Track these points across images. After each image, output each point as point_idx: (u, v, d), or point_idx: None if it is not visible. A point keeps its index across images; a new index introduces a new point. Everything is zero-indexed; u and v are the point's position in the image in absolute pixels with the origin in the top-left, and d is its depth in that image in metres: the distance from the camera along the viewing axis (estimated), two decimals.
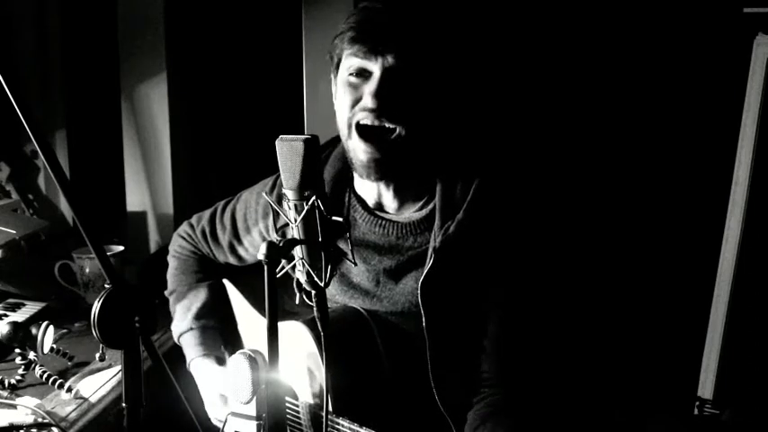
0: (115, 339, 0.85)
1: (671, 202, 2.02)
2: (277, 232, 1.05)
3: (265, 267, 0.88)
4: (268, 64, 2.25)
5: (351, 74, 1.18)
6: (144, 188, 2.21)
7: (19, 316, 1.64)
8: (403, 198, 1.28)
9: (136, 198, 2.22)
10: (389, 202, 1.28)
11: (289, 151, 0.91)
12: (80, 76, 2.28)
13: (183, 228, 1.57)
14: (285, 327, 1.19)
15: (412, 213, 1.27)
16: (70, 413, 1.32)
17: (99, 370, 1.49)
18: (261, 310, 1.39)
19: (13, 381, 1.40)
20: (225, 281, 1.52)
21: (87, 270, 1.80)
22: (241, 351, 1.03)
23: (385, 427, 1.14)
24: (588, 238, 2.04)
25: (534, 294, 1.26)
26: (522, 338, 1.24)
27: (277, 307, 0.90)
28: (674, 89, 1.97)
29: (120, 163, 2.22)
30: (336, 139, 1.29)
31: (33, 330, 1.39)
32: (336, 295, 1.34)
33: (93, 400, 1.38)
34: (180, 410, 0.96)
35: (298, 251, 0.95)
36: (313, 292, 0.96)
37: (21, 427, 1.22)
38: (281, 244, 0.89)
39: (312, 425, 1.27)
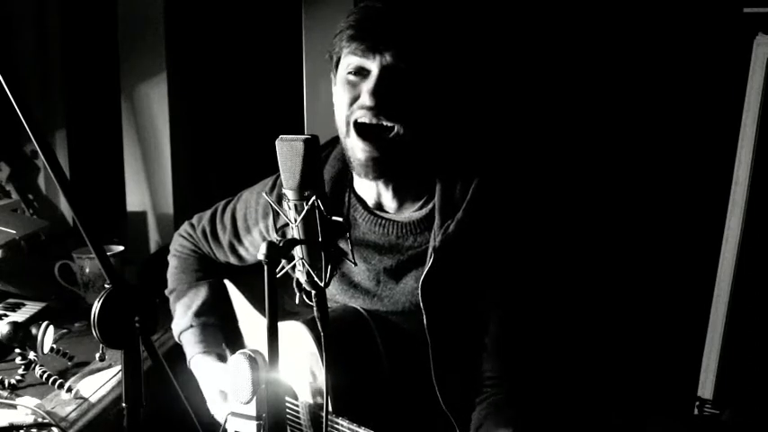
0: (115, 339, 0.85)
1: (671, 202, 2.02)
2: (277, 232, 1.05)
3: (265, 267, 0.88)
4: (268, 64, 2.25)
5: (349, 72, 1.18)
6: (144, 188, 2.21)
7: (19, 316, 1.64)
8: (402, 198, 1.28)
9: (136, 198, 2.22)
10: (389, 201, 1.28)
11: (289, 151, 0.91)
12: (80, 76, 2.28)
13: (184, 227, 1.57)
14: (285, 327, 1.19)
15: (412, 213, 1.27)
16: (70, 413, 1.32)
17: (99, 370, 1.49)
18: (261, 309, 1.39)
19: (13, 381, 1.40)
20: (226, 281, 1.52)
21: (87, 270, 1.80)
22: (241, 351, 1.03)
23: (385, 427, 1.14)
24: (588, 238, 2.04)
25: (534, 293, 1.26)
26: (524, 337, 1.24)
27: (277, 307, 0.90)
28: (674, 89, 1.97)
29: (120, 163, 2.22)
30: (336, 140, 1.29)
31: (33, 330, 1.39)
32: (337, 295, 1.34)
33: (93, 400, 1.37)
34: (180, 410, 0.96)
35: (298, 251, 0.95)
36: (313, 292, 0.96)
37: (21, 427, 1.22)
38: (281, 244, 0.89)
39: (312, 425, 1.27)
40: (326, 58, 1.25)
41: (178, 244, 1.57)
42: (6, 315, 1.63)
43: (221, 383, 1.37)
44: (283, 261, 0.93)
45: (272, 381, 0.93)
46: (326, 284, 0.95)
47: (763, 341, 1.86)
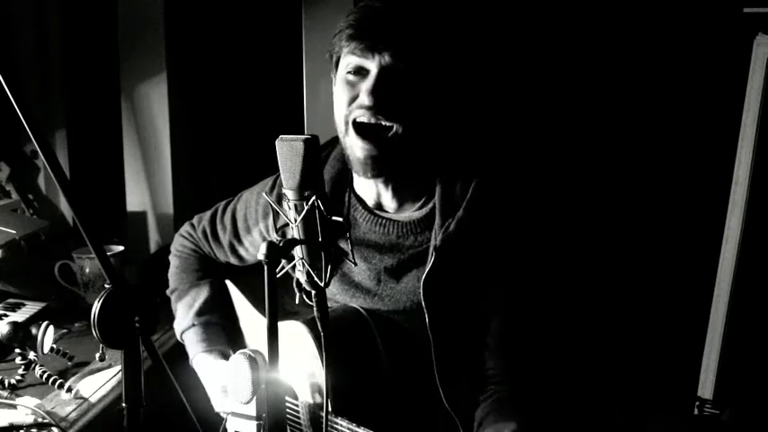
0: (115, 339, 0.85)
1: (671, 202, 2.02)
2: (277, 232, 1.05)
3: (265, 267, 0.88)
4: (268, 64, 2.25)
5: (348, 71, 1.18)
6: (144, 188, 2.21)
7: (19, 316, 1.64)
8: (402, 198, 1.28)
9: (136, 198, 2.22)
10: (389, 201, 1.28)
11: (289, 151, 0.91)
12: (80, 76, 2.28)
13: (185, 228, 1.58)
14: (285, 326, 1.19)
15: (412, 212, 1.28)
16: (70, 413, 1.32)
17: (99, 370, 1.49)
18: (262, 309, 1.39)
19: (13, 381, 1.40)
20: (227, 281, 1.52)
21: (87, 270, 1.80)
22: (241, 351, 1.03)
23: (386, 426, 1.14)
24: (588, 238, 2.04)
25: (535, 290, 1.26)
26: (526, 334, 1.25)
27: (277, 307, 0.90)
28: (674, 89, 1.97)
29: (120, 163, 2.22)
30: (336, 140, 1.29)
31: (33, 330, 1.39)
32: (337, 295, 1.34)
33: (93, 400, 1.37)
34: (180, 410, 0.96)
35: (298, 251, 0.95)
36: (313, 292, 0.96)
37: (21, 427, 1.22)
38: (281, 244, 0.89)
39: (312, 425, 1.27)
40: (326, 58, 1.25)
41: (179, 244, 1.58)
42: (6, 315, 1.63)
43: (224, 380, 1.37)
44: (283, 261, 0.93)
45: (272, 381, 0.93)
46: (326, 284, 0.95)
47: (763, 341, 1.86)
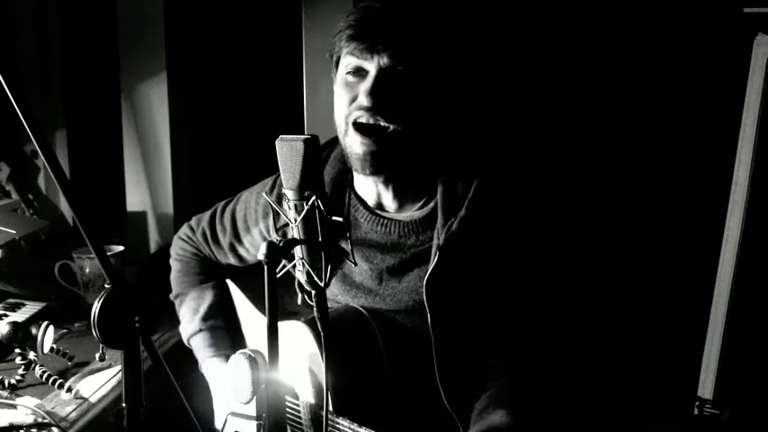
0: (115, 339, 0.85)
1: (671, 202, 2.02)
2: (277, 232, 1.05)
3: (265, 267, 0.88)
4: (268, 64, 2.25)
5: (348, 72, 1.19)
6: (144, 188, 2.21)
7: (19, 316, 1.64)
8: (402, 198, 1.28)
9: (136, 198, 2.22)
10: (389, 202, 1.28)
11: (289, 151, 0.91)
12: (80, 76, 2.28)
13: (184, 230, 1.57)
14: (286, 326, 1.19)
15: (413, 212, 1.28)
16: (70, 413, 1.32)
17: (99, 370, 1.49)
18: (262, 309, 1.39)
19: (13, 381, 1.40)
20: (228, 281, 1.52)
21: (87, 270, 1.80)
22: (241, 351, 1.03)
23: (386, 426, 1.14)
24: (588, 238, 2.04)
25: (537, 290, 1.26)
26: (527, 333, 1.25)
27: (277, 307, 0.90)
28: (674, 89, 1.97)
29: (120, 163, 2.22)
30: (335, 140, 1.29)
31: (33, 330, 1.39)
32: (339, 295, 1.34)
33: (93, 400, 1.37)
34: (180, 410, 0.96)
35: (298, 251, 0.95)
36: (313, 291, 0.96)
37: (21, 427, 1.22)
38: (281, 244, 0.89)
39: (313, 424, 1.27)
40: (327, 58, 1.25)
41: (179, 247, 1.57)
42: (6, 315, 1.63)
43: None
44: (284, 261, 0.93)
45: (272, 381, 0.93)
46: (327, 284, 0.95)
47: (763, 341, 1.86)
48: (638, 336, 2.06)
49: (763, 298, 1.85)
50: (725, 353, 1.88)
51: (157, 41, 2.09)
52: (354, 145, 1.19)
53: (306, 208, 0.92)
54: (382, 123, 1.16)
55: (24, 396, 1.36)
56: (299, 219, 0.93)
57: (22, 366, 1.43)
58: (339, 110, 1.21)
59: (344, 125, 1.20)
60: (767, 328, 1.85)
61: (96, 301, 0.83)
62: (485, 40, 2.01)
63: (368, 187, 1.30)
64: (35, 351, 1.39)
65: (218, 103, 2.33)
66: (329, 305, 1.06)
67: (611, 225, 2.06)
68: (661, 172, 2.02)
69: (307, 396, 1.27)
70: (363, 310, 1.29)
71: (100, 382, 1.43)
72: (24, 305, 1.71)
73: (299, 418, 1.30)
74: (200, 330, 1.47)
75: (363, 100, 1.15)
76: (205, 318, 1.48)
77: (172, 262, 1.59)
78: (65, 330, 1.67)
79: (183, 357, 1.51)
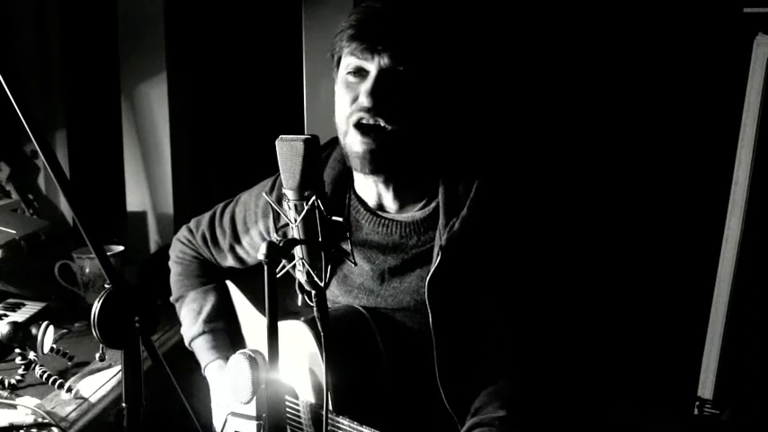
0: (115, 339, 0.85)
1: (671, 202, 2.02)
2: (277, 232, 1.05)
3: (265, 267, 0.88)
4: (268, 64, 2.25)
5: (349, 72, 1.19)
6: (144, 188, 2.21)
7: (19, 316, 1.64)
8: (403, 199, 1.28)
9: (136, 198, 2.22)
10: (390, 203, 1.28)
11: (289, 151, 0.91)
12: (80, 76, 2.28)
13: (183, 233, 1.57)
14: (286, 326, 1.19)
15: (414, 213, 1.28)
16: (70, 413, 1.32)
17: (99, 370, 1.49)
18: (262, 309, 1.39)
19: (13, 381, 1.40)
20: (228, 282, 1.52)
21: (87, 270, 1.80)
22: (241, 351, 1.03)
23: (386, 426, 1.14)
24: (588, 238, 2.04)
25: (539, 290, 1.26)
26: (527, 334, 1.24)
27: (277, 307, 0.90)
28: (674, 89, 1.97)
29: (120, 163, 2.22)
30: (335, 141, 1.29)
31: (33, 330, 1.39)
32: (340, 296, 1.34)
33: (93, 400, 1.37)
34: (180, 410, 0.96)
35: (298, 251, 0.95)
36: (313, 292, 0.96)
37: (21, 427, 1.22)
38: (281, 244, 0.89)
39: (313, 424, 1.27)
40: (328, 57, 1.25)
41: (178, 250, 1.57)
42: (6, 315, 1.63)
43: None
44: (284, 261, 0.93)
45: (272, 381, 0.93)
46: (327, 285, 0.95)
47: (763, 341, 1.86)
48: (638, 336, 2.06)
49: (763, 298, 1.85)
50: (725, 353, 1.88)
51: (157, 41, 2.09)
52: (354, 143, 1.19)
53: (306, 208, 0.92)
54: (382, 124, 1.16)
55: (24, 396, 1.36)
56: (299, 219, 0.93)
57: (22, 366, 1.42)
58: (340, 110, 1.21)
59: (345, 125, 1.20)
60: (767, 328, 1.85)
61: (96, 301, 0.83)
62: (485, 41, 2.01)
63: (368, 188, 1.30)
64: (35, 351, 1.39)
65: (218, 103, 2.33)
66: (329, 306, 1.06)
67: (611, 225, 2.06)
68: (661, 172, 2.02)
69: (307, 396, 1.27)
70: (363, 310, 1.29)
71: (100, 382, 1.43)
72: (24, 305, 1.71)
73: (300, 417, 1.30)
74: (203, 333, 1.47)
75: (364, 100, 1.15)
76: (207, 320, 1.48)
77: (171, 265, 1.58)
78: (65, 330, 1.67)
79: (183, 357, 1.51)
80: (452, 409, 1.23)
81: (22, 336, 1.39)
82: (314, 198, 0.91)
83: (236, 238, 1.47)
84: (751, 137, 1.78)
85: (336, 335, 1.16)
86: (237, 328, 1.51)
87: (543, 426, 1.20)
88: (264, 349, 0.92)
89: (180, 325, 1.54)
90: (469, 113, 1.35)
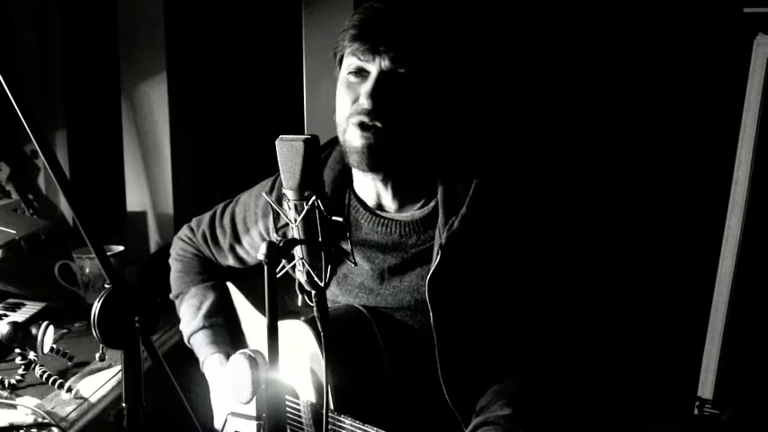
0: (115, 339, 0.85)
1: (671, 202, 2.02)
2: (277, 232, 1.05)
3: (265, 267, 0.88)
4: (268, 64, 2.25)
5: (350, 72, 1.19)
6: (144, 188, 2.21)
7: (19, 316, 1.64)
8: (402, 198, 1.28)
9: (136, 198, 2.22)
10: (389, 202, 1.29)
11: (289, 151, 0.91)
12: (80, 76, 2.28)
13: (184, 232, 1.57)
14: (286, 326, 1.19)
15: (414, 212, 1.28)
16: (70, 413, 1.32)
17: (99, 370, 1.49)
18: (262, 310, 1.39)
19: (13, 381, 1.40)
20: (228, 283, 1.52)
21: (87, 270, 1.80)
22: (241, 351, 1.03)
23: (387, 424, 1.14)
24: (588, 238, 2.04)
25: (539, 287, 1.26)
26: (530, 330, 1.25)
27: (277, 306, 0.90)
28: (674, 89, 1.97)
29: (120, 163, 2.22)
30: (335, 141, 1.29)
31: (33, 330, 1.39)
32: (340, 297, 1.34)
33: (93, 400, 1.37)
34: (180, 410, 0.96)
35: (298, 251, 0.95)
36: (313, 292, 0.96)
37: (21, 427, 1.22)
38: (281, 244, 0.89)
39: (314, 424, 1.27)
40: (330, 56, 1.25)
41: (179, 248, 1.57)
42: (6, 315, 1.63)
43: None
44: (284, 261, 0.93)
45: (272, 381, 0.93)
46: (326, 285, 0.95)
47: (763, 341, 1.86)
48: (638, 336, 2.06)
49: (763, 298, 1.85)
50: (725, 353, 1.88)
51: (157, 41, 2.09)
52: (354, 138, 1.19)
53: (306, 208, 0.92)
54: (380, 126, 1.16)
55: (24, 396, 1.36)
56: (298, 219, 0.93)
57: (22, 366, 1.42)
58: (340, 109, 1.22)
59: (345, 124, 1.20)
60: (767, 328, 1.85)
61: (96, 301, 0.83)
62: (486, 43, 2.01)
63: (368, 187, 1.30)
64: (35, 351, 1.39)
65: (219, 103, 2.33)
66: (329, 305, 1.06)
67: (611, 225, 2.06)
68: (661, 172, 2.02)
69: (308, 395, 1.27)
70: (363, 309, 1.29)
71: (100, 382, 1.43)
72: (24, 305, 1.71)
73: (300, 417, 1.30)
74: (202, 328, 1.47)
75: (364, 102, 1.15)
76: (207, 315, 1.48)
77: (172, 262, 1.58)
78: (65, 330, 1.67)
79: (183, 357, 1.51)
80: (455, 407, 1.23)
81: (22, 336, 1.39)
82: (314, 198, 0.91)
83: (236, 237, 1.47)
84: (751, 137, 1.78)
85: (337, 334, 1.16)
86: (237, 326, 1.51)
87: (548, 424, 1.20)
88: (264, 349, 0.92)
89: (179, 322, 1.54)
90: (468, 113, 1.35)
